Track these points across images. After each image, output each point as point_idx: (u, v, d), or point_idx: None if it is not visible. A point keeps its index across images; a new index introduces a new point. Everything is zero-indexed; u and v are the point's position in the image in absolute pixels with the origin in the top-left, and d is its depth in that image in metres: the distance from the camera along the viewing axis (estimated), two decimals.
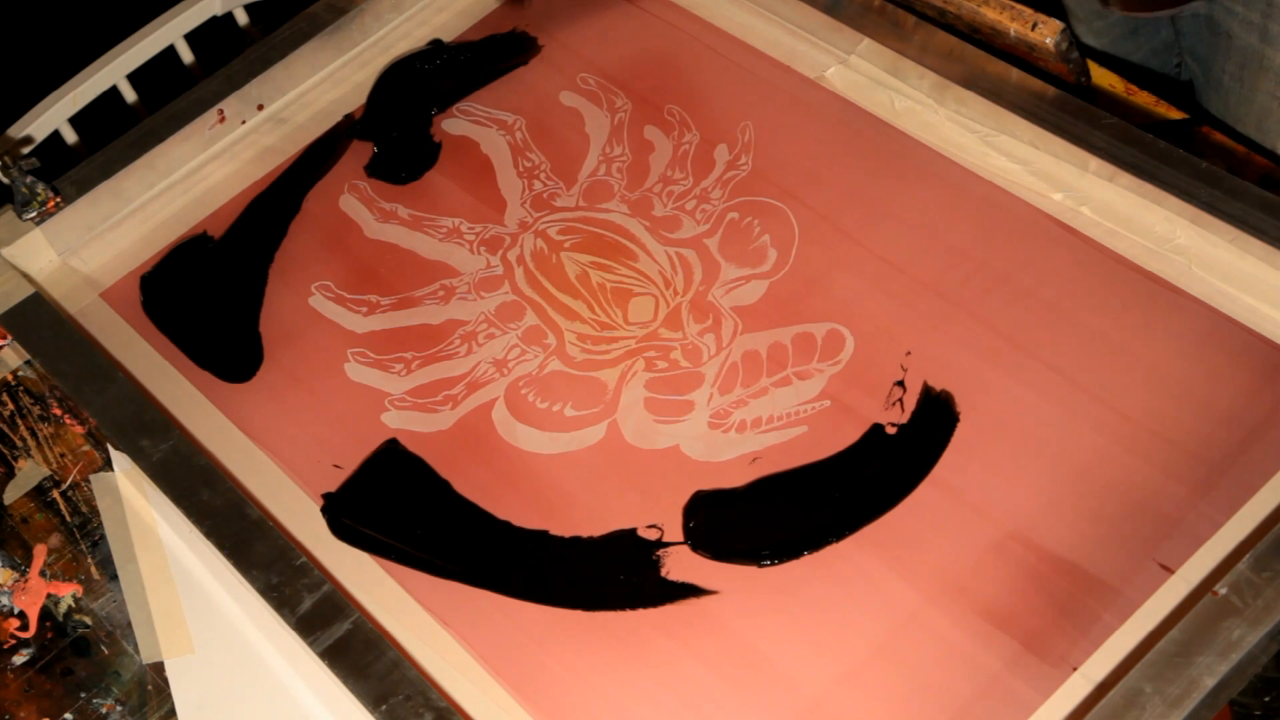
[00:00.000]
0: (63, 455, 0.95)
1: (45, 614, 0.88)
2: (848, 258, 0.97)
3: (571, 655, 0.82)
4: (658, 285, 0.98)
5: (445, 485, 0.90)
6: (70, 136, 1.17)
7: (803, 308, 0.95)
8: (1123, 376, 0.88)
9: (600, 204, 1.04)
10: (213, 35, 1.23)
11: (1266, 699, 1.13)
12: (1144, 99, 1.05)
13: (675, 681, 0.81)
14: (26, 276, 1.01)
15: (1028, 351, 0.90)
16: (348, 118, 1.12)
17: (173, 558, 0.89)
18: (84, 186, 1.05)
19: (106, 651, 0.86)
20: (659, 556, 0.85)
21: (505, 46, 1.14)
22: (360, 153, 1.10)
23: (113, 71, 1.16)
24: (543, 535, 0.87)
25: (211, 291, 1.02)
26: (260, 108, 1.12)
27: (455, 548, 0.87)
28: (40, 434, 0.96)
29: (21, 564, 0.90)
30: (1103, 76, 1.06)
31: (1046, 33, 0.98)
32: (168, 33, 1.18)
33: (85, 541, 0.91)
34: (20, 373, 0.99)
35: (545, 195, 1.05)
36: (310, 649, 0.80)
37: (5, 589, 0.89)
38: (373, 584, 0.86)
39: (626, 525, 0.87)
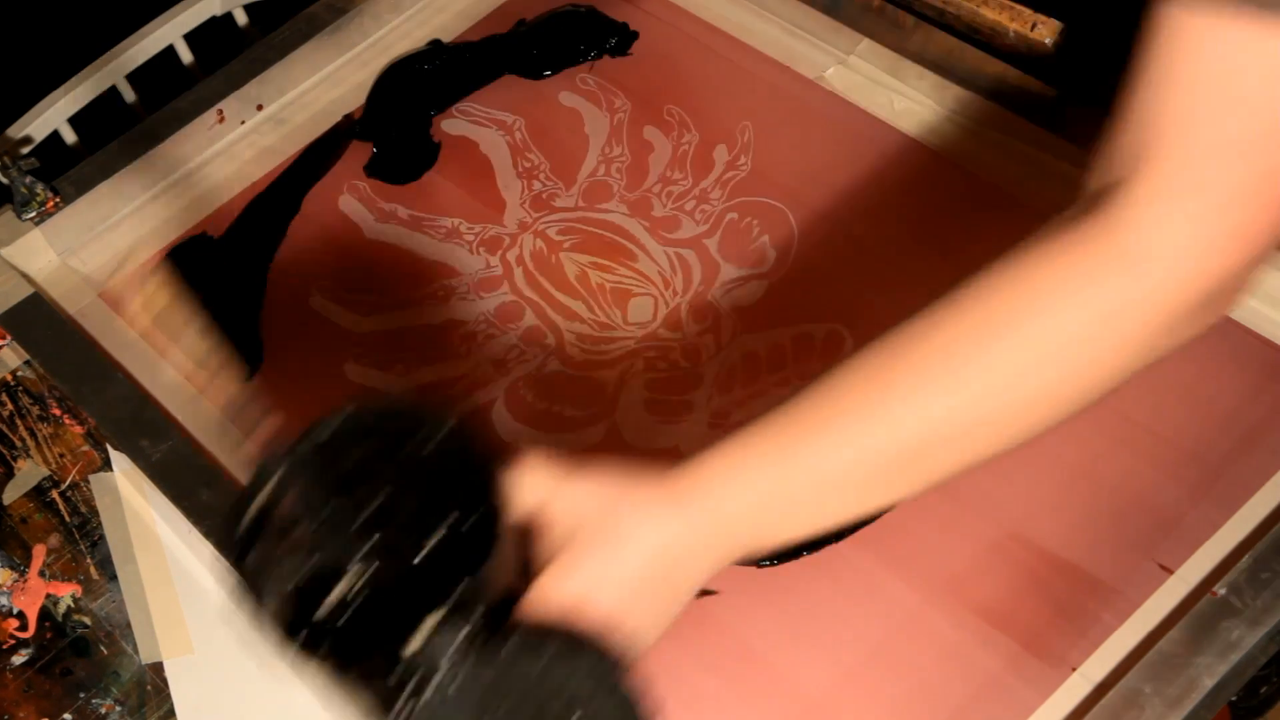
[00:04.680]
0: (62, 455, 0.95)
1: (44, 614, 0.88)
2: (848, 258, 0.97)
3: None
4: (657, 286, 0.98)
5: None
6: (70, 136, 1.17)
7: (802, 308, 0.95)
8: None
9: (599, 204, 1.04)
10: (212, 35, 1.23)
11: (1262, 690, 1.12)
12: None
13: (675, 681, 0.81)
14: (26, 277, 1.01)
15: None
16: (347, 118, 1.12)
17: (172, 558, 0.89)
18: (84, 186, 1.05)
19: (106, 652, 0.86)
20: None
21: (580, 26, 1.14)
22: (360, 153, 1.10)
23: (112, 71, 1.16)
24: None
25: (211, 292, 1.02)
26: (260, 108, 1.12)
27: None
28: (39, 434, 0.96)
29: (21, 564, 0.90)
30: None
31: (1046, 33, 0.98)
32: (167, 33, 1.17)
33: (84, 542, 0.91)
34: (20, 373, 0.99)
35: (544, 196, 1.05)
36: None
37: (4, 589, 0.89)
38: None
39: None
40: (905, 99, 1.04)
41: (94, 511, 0.92)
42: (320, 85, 1.14)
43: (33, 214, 1.03)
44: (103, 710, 0.84)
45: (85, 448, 0.95)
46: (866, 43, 1.06)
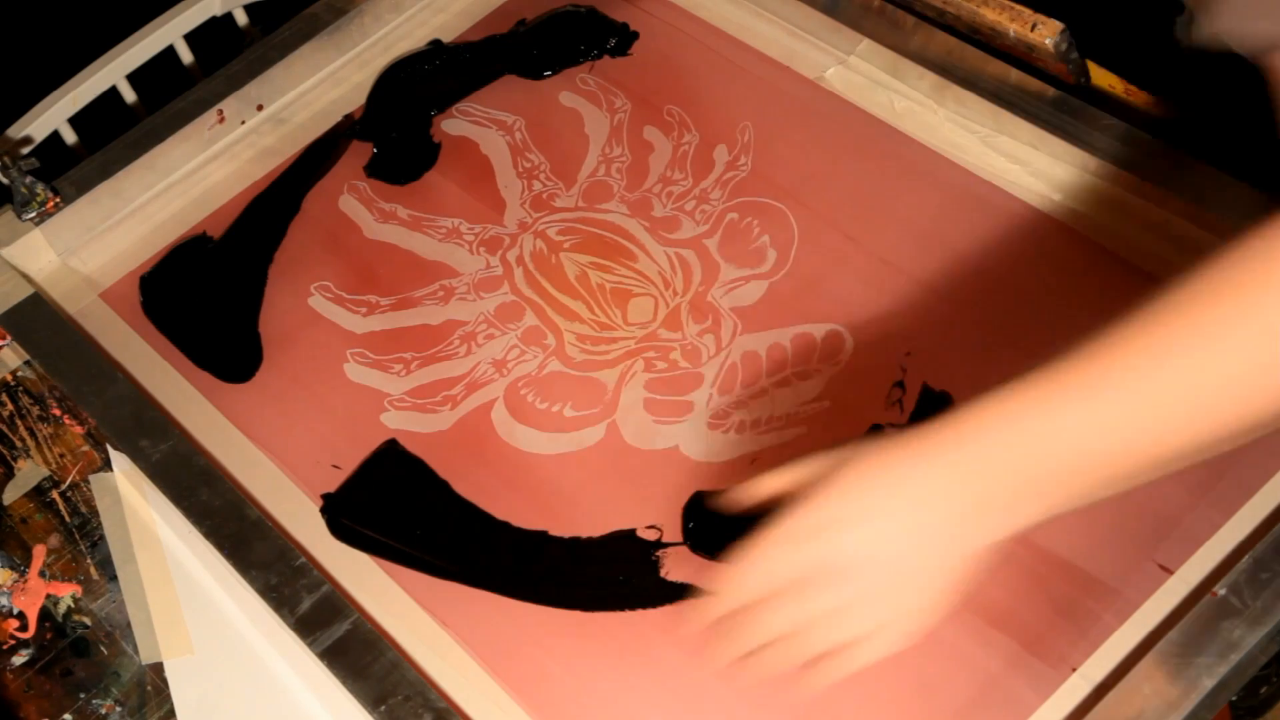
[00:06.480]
0: (62, 455, 0.95)
1: (44, 614, 0.88)
2: (848, 258, 0.97)
3: (571, 655, 0.82)
4: (657, 286, 0.98)
5: (445, 486, 0.90)
6: (70, 136, 1.17)
7: (802, 308, 0.95)
8: None
9: (600, 204, 1.04)
10: (213, 35, 1.23)
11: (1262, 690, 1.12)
12: (1143, 99, 1.05)
13: (675, 681, 0.81)
14: (26, 277, 1.01)
15: (1028, 352, 0.90)
16: (347, 118, 1.12)
17: (172, 558, 0.89)
18: (83, 187, 1.05)
19: (106, 652, 0.86)
20: (659, 557, 0.85)
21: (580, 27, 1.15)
22: (360, 153, 1.10)
23: (113, 71, 1.16)
24: (542, 535, 0.87)
25: (211, 292, 1.02)
26: (260, 108, 1.11)
27: (455, 548, 0.87)
28: (39, 434, 0.96)
29: (21, 564, 0.90)
30: (1102, 77, 1.06)
31: (1046, 33, 0.98)
32: (168, 33, 1.18)
33: (84, 542, 0.91)
34: (20, 373, 0.99)
35: (545, 196, 1.05)
36: (309, 649, 0.80)
37: (4, 589, 0.89)
38: (372, 584, 0.86)
39: (626, 525, 0.87)
40: (905, 99, 1.04)
41: (94, 512, 0.92)
42: (320, 85, 1.14)
43: (33, 214, 1.03)
44: (103, 710, 0.84)
45: (85, 448, 0.95)
46: (866, 43, 1.06)
